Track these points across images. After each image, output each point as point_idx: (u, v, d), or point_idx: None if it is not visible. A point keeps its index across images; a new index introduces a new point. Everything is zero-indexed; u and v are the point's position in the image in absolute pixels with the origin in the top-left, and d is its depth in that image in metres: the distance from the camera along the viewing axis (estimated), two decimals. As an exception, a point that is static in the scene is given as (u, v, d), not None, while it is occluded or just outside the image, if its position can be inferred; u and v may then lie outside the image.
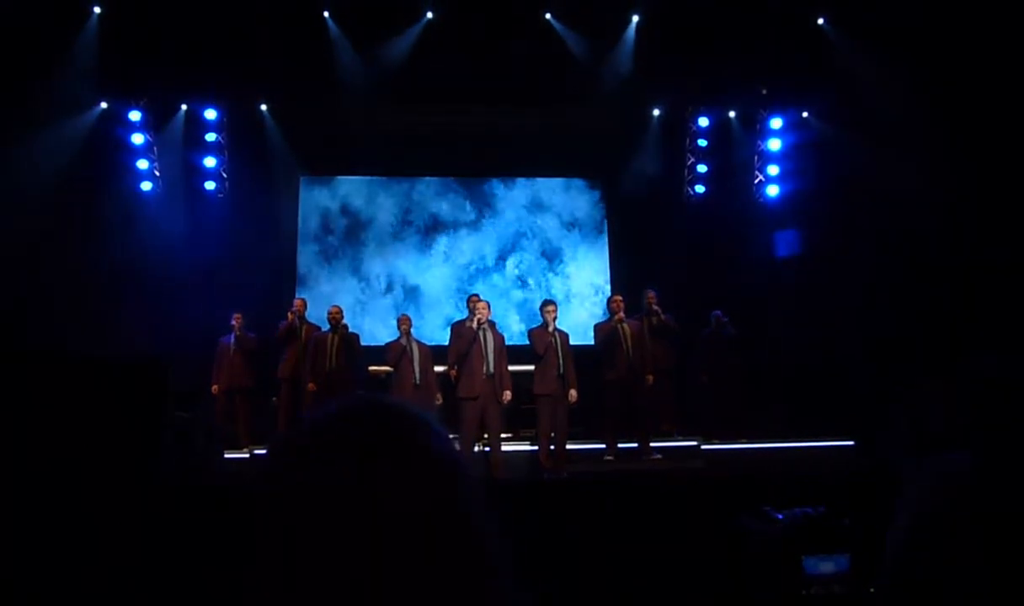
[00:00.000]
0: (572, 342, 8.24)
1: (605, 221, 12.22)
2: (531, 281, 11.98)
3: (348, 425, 0.75)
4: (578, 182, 12.33)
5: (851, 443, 8.49)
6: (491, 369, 7.80)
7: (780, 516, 2.57)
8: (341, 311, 9.08)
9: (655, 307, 9.02)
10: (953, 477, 1.30)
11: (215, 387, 9.15)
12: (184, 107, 11.15)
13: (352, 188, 12.05)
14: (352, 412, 0.77)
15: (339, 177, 12.04)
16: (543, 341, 7.97)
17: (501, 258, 12.03)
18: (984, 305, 8.26)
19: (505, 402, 7.94)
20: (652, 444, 8.38)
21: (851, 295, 10.08)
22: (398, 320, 8.88)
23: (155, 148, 11.08)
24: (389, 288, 11.80)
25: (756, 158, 11.84)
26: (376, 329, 11.17)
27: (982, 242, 8.80)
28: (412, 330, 8.79)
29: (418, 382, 8.43)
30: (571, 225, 12.20)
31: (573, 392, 7.97)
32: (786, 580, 2.48)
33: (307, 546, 0.68)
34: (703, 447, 8.67)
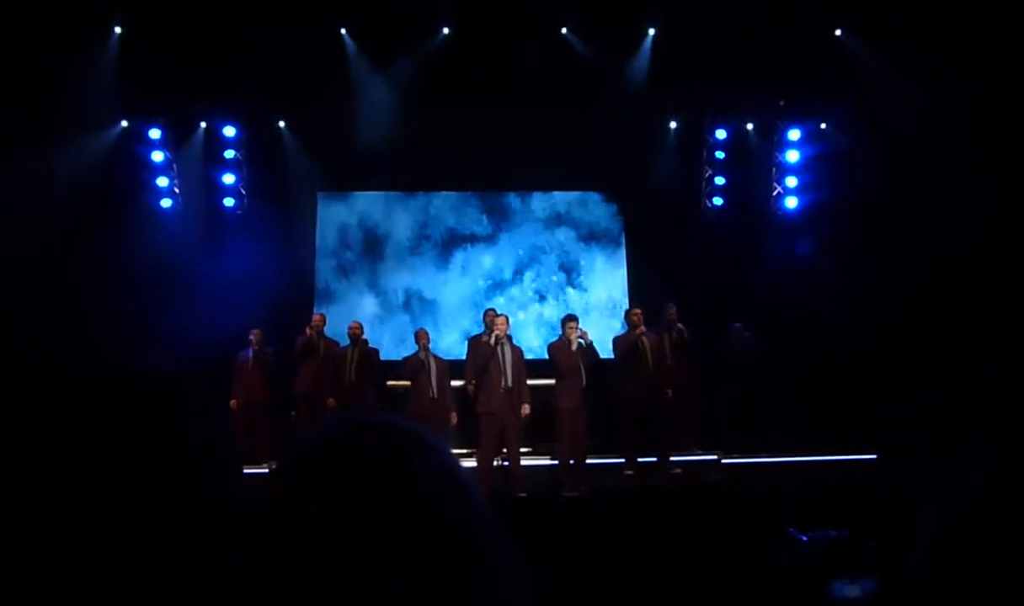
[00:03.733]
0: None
1: (623, 234, 12.20)
2: (549, 295, 11.96)
3: (342, 446, 0.75)
4: (595, 195, 12.32)
5: (874, 457, 8.39)
6: (509, 384, 7.79)
7: (804, 538, 2.54)
8: (361, 326, 9.11)
9: (678, 324, 8.95)
10: (969, 497, 1.27)
11: (233, 402, 9.17)
12: (203, 124, 11.26)
13: (369, 203, 12.09)
14: (346, 432, 0.76)
15: (357, 192, 12.10)
16: (566, 358, 7.94)
17: (518, 272, 12.03)
18: (1005, 322, 8.15)
19: (524, 416, 7.93)
20: (671, 458, 8.34)
21: (871, 307, 9.98)
22: (416, 335, 8.91)
23: (175, 165, 11.18)
24: (407, 303, 11.82)
25: (774, 170, 11.79)
26: (394, 344, 11.18)
27: (1004, 257, 8.70)
28: (430, 345, 8.81)
29: (435, 396, 8.44)
30: (588, 238, 12.18)
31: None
32: (811, 604, 2.45)
33: (303, 567, 0.67)
34: (723, 461, 8.60)
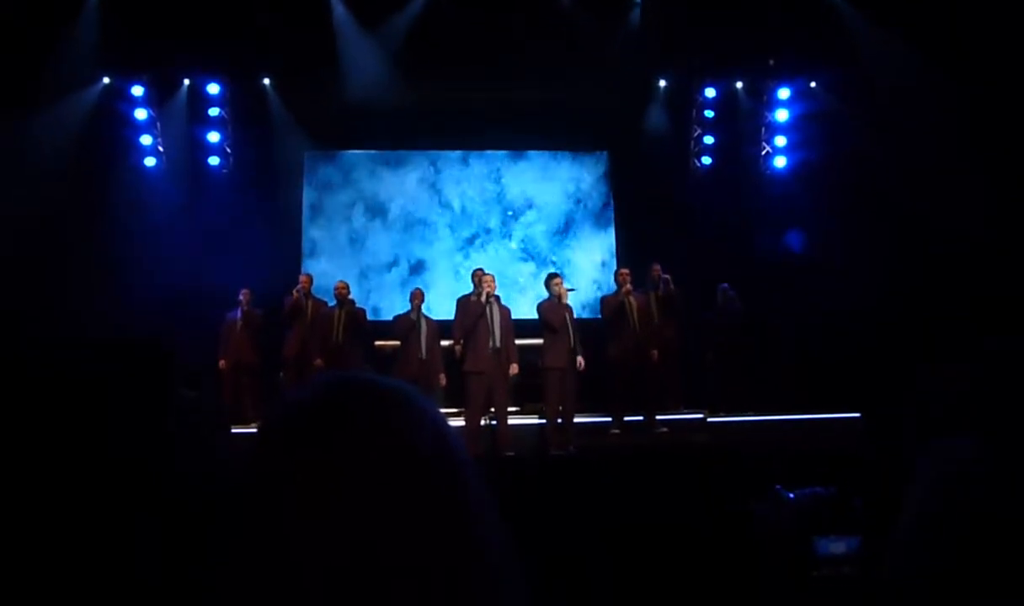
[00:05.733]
0: (576, 315, 8.26)
1: (611, 194, 12.15)
2: (537, 255, 11.93)
3: (326, 407, 0.72)
4: (584, 155, 12.25)
5: (857, 415, 8.43)
6: (497, 343, 7.77)
7: (791, 496, 2.56)
8: (348, 286, 9.06)
9: (663, 276, 8.93)
10: (962, 464, 1.27)
11: (222, 363, 9.13)
12: (187, 82, 11.07)
13: (357, 162, 11.98)
14: (327, 395, 0.74)
15: (344, 151, 11.98)
16: (558, 315, 7.93)
17: (507, 232, 11.98)
18: (995, 282, 8.19)
19: (511, 375, 7.94)
20: (658, 417, 8.39)
21: (859, 268, 10.01)
22: (411, 294, 8.87)
23: (158, 123, 11.02)
24: (395, 263, 11.77)
25: (763, 129, 11.74)
26: (382, 304, 11.16)
27: (994, 218, 8.72)
28: (423, 305, 8.78)
29: (424, 357, 8.43)
30: (577, 198, 12.13)
31: (581, 360, 7.94)
32: (796, 561, 2.48)
33: (287, 532, 0.66)
34: (709, 420, 8.66)
